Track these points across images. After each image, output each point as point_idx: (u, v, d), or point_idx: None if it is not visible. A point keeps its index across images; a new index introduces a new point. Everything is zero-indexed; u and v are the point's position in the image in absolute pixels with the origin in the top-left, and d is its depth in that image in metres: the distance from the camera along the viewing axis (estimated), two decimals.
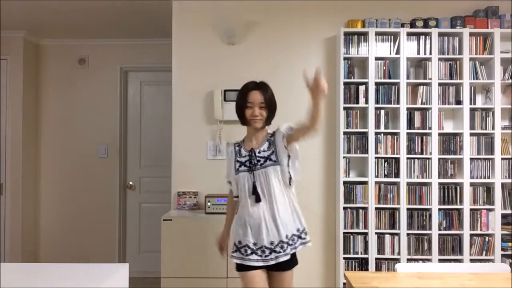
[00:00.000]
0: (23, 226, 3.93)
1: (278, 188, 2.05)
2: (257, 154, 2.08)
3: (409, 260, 2.99)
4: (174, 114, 3.25)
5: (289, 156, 2.07)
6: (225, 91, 3.14)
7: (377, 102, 3.05)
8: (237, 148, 2.17)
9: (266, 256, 2.01)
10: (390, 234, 3.03)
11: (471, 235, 3.00)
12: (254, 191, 2.04)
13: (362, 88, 3.06)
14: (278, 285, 2.08)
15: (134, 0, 3.16)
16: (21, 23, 3.73)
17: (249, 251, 2.03)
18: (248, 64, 3.22)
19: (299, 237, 2.07)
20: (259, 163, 2.06)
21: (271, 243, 2.02)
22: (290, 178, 2.07)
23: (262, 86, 2.13)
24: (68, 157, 4.16)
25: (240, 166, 2.10)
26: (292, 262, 2.08)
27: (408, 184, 3.03)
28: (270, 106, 2.11)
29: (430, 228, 3.00)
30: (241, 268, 2.07)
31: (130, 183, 4.24)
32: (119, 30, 3.89)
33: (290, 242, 2.04)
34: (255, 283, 2.03)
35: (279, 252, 2.01)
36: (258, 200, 2.03)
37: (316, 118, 1.87)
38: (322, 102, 1.84)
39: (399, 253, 3.00)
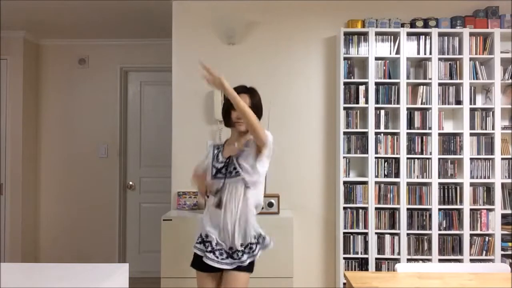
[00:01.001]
0: (23, 226, 3.93)
1: (244, 198, 2.07)
2: (234, 162, 2.09)
3: (409, 260, 2.99)
4: (174, 114, 3.25)
5: (256, 160, 2.07)
6: None
7: (377, 102, 3.05)
8: (215, 151, 2.20)
9: (222, 259, 2.05)
10: (390, 234, 3.02)
11: (471, 235, 2.99)
12: (219, 200, 2.08)
13: (362, 88, 3.06)
14: (229, 285, 2.07)
15: (134, 0, 3.16)
16: (21, 23, 3.73)
17: (209, 248, 2.07)
18: (248, 64, 3.22)
19: (257, 243, 2.10)
20: (234, 171, 2.07)
21: (230, 249, 2.06)
22: (255, 182, 2.09)
23: (251, 91, 2.17)
24: (68, 157, 4.16)
25: (216, 172, 2.12)
26: (247, 265, 2.08)
27: (408, 184, 3.03)
28: (256, 111, 2.12)
29: (430, 228, 3.00)
30: (197, 266, 2.13)
31: (130, 183, 4.24)
32: (119, 30, 3.89)
33: (247, 250, 2.07)
34: (204, 284, 2.12)
35: (235, 259, 2.05)
36: (219, 206, 2.07)
37: (244, 119, 1.96)
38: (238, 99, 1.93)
39: (399, 253, 3.00)
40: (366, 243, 3.02)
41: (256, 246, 2.10)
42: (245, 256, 2.05)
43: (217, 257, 2.05)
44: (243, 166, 2.07)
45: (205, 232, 2.12)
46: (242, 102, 1.95)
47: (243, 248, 2.06)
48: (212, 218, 2.10)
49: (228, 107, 2.14)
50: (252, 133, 2.02)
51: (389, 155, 3.04)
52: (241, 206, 2.07)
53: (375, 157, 3.03)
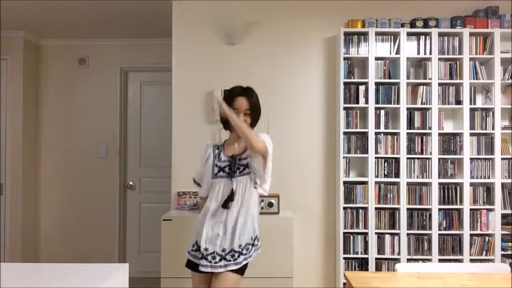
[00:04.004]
0: (23, 226, 3.93)
1: (250, 196, 2.07)
2: (237, 161, 2.09)
3: (409, 260, 2.99)
4: (174, 114, 3.25)
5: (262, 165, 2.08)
6: (225, 91, 3.14)
7: (377, 102, 3.05)
8: (216, 151, 2.17)
9: (216, 262, 2.02)
10: (390, 234, 3.03)
11: (471, 235, 3.00)
12: (231, 198, 2.04)
13: (362, 88, 3.06)
14: (218, 285, 2.04)
15: (134, 0, 3.16)
16: (21, 23, 3.73)
17: (199, 255, 2.05)
18: (248, 64, 3.22)
19: (253, 244, 2.08)
20: (238, 171, 2.07)
21: (223, 250, 2.03)
22: (256, 182, 2.09)
23: (248, 92, 2.14)
24: (68, 157, 4.16)
25: (218, 171, 2.10)
26: (240, 268, 2.06)
27: (408, 184, 3.03)
28: (255, 112, 2.13)
29: (430, 228, 3.00)
30: (191, 266, 2.11)
31: (130, 183, 4.24)
32: (119, 30, 3.89)
33: (244, 251, 2.04)
34: (198, 284, 2.10)
35: (229, 260, 2.02)
36: (227, 206, 2.04)
37: (244, 138, 2.01)
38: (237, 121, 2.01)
39: (399, 253, 3.00)
40: (366, 243, 3.02)
41: (251, 247, 2.08)
42: (241, 257, 2.03)
43: (210, 262, 2.02)
44: (249, 164, 2.07)
45: (196, 239, 2.11)
46: (245, 128, 2.01)
47: (240, 249, 2.03)
48: (210, 220, 2.06)
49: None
50: (252, 152, 2.04)
51: (389, 155, 3.04)
52: (248, 204, 2.06)
53: (375, 157, 3.03)
